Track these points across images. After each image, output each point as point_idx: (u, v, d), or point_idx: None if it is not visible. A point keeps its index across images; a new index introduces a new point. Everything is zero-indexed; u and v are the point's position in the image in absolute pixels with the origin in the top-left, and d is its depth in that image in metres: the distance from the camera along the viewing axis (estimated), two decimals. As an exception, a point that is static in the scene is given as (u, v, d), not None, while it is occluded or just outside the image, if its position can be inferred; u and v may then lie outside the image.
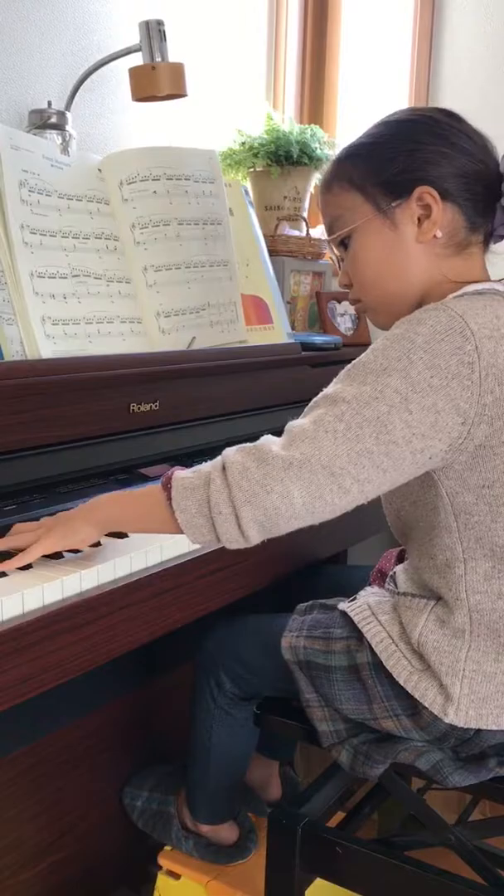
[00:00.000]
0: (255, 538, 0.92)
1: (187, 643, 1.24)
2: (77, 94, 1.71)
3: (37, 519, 1.11)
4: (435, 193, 0.98)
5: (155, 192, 1.50)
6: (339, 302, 2.13)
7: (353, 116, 2.37)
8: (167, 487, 0.95)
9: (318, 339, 1.85)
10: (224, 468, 0.92)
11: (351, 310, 2.14)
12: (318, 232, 2.16)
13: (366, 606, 1.06)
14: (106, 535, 1.07)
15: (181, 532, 0.94)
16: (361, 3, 2.34)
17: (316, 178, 2.14)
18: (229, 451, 0.94)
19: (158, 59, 1.64)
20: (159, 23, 1.64)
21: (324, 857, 1.07)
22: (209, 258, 1.58)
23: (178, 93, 1.66)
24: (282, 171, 2.04)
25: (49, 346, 1.25)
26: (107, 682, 1.36)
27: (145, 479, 1.30)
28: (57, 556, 1.02)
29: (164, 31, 1.64)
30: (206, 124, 2.08)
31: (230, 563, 1.16)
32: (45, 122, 1.60)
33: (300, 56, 2.37)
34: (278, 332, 1.72)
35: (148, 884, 1.37)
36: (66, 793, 1.37)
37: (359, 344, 2.07)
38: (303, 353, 1.71)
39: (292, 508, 0.89)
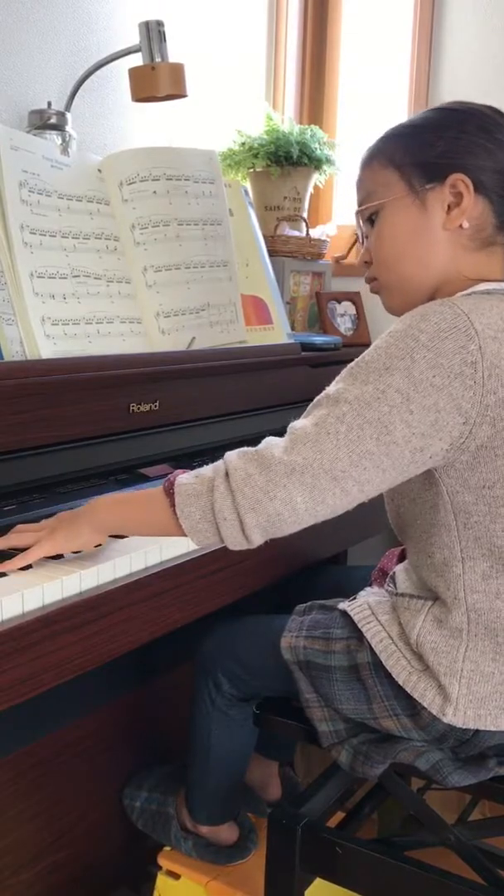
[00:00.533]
0: (259, 541, 0.93)
1: (187, 643, 1.24)
2: (77, 94, 1.71)
3: (37, 520, 1.12)
4: (469, 182, 0.97)
5: (155, 192, 1.50)
6: (339, 302, 2.14)
7: (353, 117, 2.37)
8: (170, 493, 0.95)
9: (318, 339, 1.86)
10: (227, 474, 0.92)
11: (351, 310, 2.15)
12: (318, 232, 2.16)
13: (366, 606, 1.07)
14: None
15: (185, 536, 0.95)
16: (361, 4, 2.34)
17: (315, 179, 2.14)
18: (231, 456, 0.94)
19: (158, 60, 1.64)
20: (159, 23, 1.64)
21: (324, 857, 1.07)
22: (209, 258, 1.58)
23: (177, 93, 1.66)
24: (281, 171, 2.05)
25: (49, 346, 1.25)
26: (107, 683, 1.36)
27: (145, 479, 1.30)
28: (57, 555, 1.02)
29: (163, 32, 1.64)
30: (205, 125, 2.08)
31: (230, 564, 1.16)
32: (44, 122, 1.60)
33: (300, 56, 2.37)
34: (278, 333, 1.72)
35: (148, 884, 1.37)
36: (66, 793, 1.37)
37: (359, 344, 2.07)
38: (302, 353, 1.71)
39: (295, 514, 0.90)
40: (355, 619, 1.06)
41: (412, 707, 1.00)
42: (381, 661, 1.02)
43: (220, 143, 2.07)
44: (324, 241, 2.11)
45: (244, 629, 1.20)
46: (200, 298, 1.55)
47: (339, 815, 1.23)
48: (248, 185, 2.08)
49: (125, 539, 1.09)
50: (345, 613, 1.08)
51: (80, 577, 0.98)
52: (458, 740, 1.00)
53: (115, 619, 1.00)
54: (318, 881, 1.14)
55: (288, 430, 0.94)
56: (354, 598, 1.10)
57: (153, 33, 1.63)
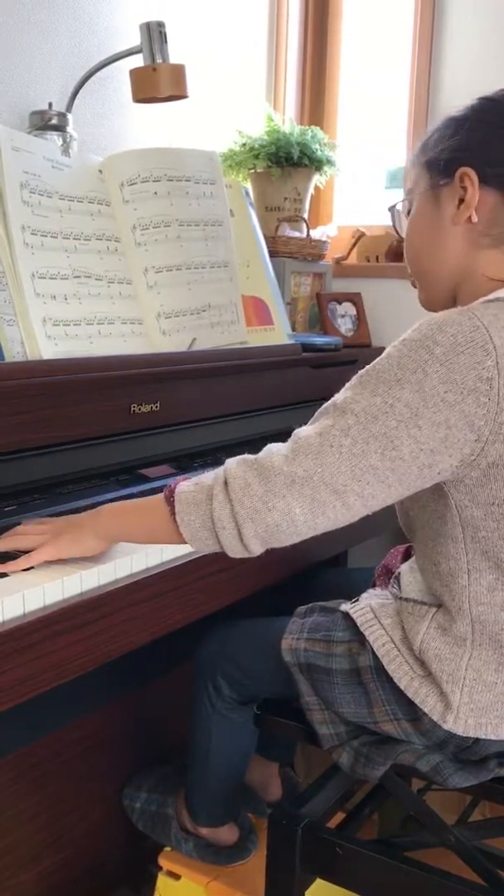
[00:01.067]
0: (258, 550, 0.93)
1: (187, 644, 1.24)
2: (78, 95, 1.71)
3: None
4: (473, 175, 0.96)
5: (156, 193, 1.50)
6: (340, 303, 2.14)
7: (354, 118, 2.37)
8: (170, 501, 0.95)
9: (319, 340, 1.86)
10: (226, 483, 0.91)
11: (351, 311, 2.15)
12: (318, 233, 2.16)
13: (368, 609, 1.06)
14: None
15: (186, 543, 0.95)
16: (362, 5, 2.34)
17: (316, 180, 2.14)
18: (231, 464, 0.93)
19: (159, 61, 1.64)
20: (160, 24, 1.64)
21: (324, 858, 1.07)
22: (210, 259, 1.58)
23: (178, 94, 1.66)
24: (282, 172, 2.05)
25: (50, 346, 1.25)
26: (107, 683, 1.36)
27: (146, 479, 1.30)
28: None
29: (164, 33, 1.64)
30: (206, 125, 2.08)
31: (230, 565, 1.16)
32: (45, 123, 1.60)
33: (301, 57, 2.37)
34: (279, 333, 1.72)
35: (148, 884, 1.37)
36: (66, 793, 1.37)
37: (359, 345, 2.08)
38: (303, 354, 1.71)
39: (294, 525, 0.90)
40: (357, 621, 1.05)
41: (413, 712, 1.00)
42: (382, 665, 1.01)
43: (220, 143, 2.07)
44: (324, 241, 2.11)
45: (244, 632, 1.20)
46: (201, 299, 1.55)
47: (340, 816, 1.23)
48: (248, 185, 2.08)
49: (126, 539, 1.09)
50: (347, 615, 1.08)
51: (80, 577, 0.98)
52: (458, 747, 1.00)
53: (116, 619, 1.00)
54: (318, 882, 1.14)
55: (292, 437, 0.92)
56: (357, 601, 1.10)
57: (154, 34, 1.63)
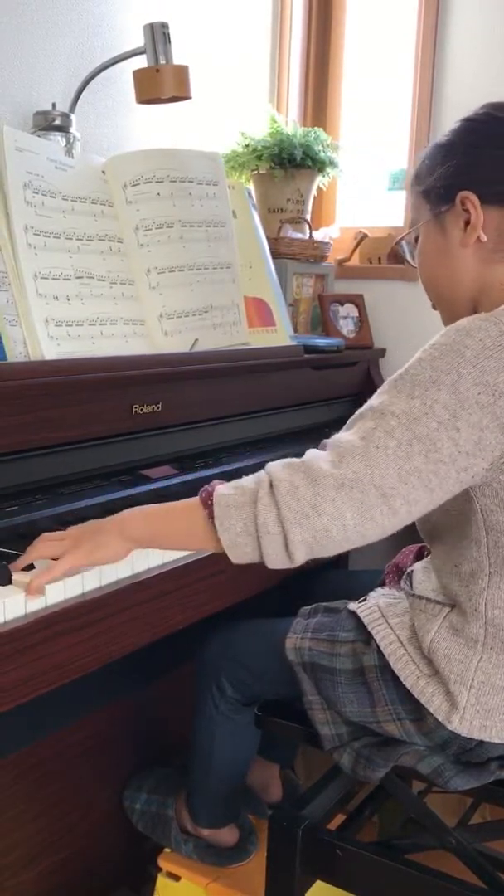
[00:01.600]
0: (301, 559, 0.90)
1: (189, 644, 1.24)
2: (81, 96, 1.71)
3: (37, 520, 1.12)
4: (474, 199, 0.98)
5: (159, 194, 1.50)
6: (342, 304, 2.14)
7: (357, 119, 2.37)
8: (208, 504, 0.92)
9: (321, 341, 1.86)
10: (271, 485, 0.89)
11: (353, 312, 2.15)
12: (321, 235, 2.16)
13: (376, 608, 1.06)
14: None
15: (221, 551, 0.91)
16: (365, 6, 2.34)
17: (318, 181, 2.14)
18: (275, 467, 0.91)
19: (163, 62, 1.64)
20: (164, 25, 1.64)
21: (324, 860, 1.07)
22: (212, 260, 1.58)
23: (182, 95, 1.66)
24: (285, 173, 2.05)
25: (52, 347, 1.25)
26: (108, 684, 1.36)
27: (148, 480, 1.30)
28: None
29: (168, 34, 1.64)
30: (209, 127, 2.08)
31: (232, 566, 1.16)
32: (49, 123, 1.60)
33: (304, 59, 2.37)
34: (281, 335, 1.72)
35: (148, 885, 1.37)
36: (66, 793, 1.37)
37: (361, 346, 2.08)
38: (305, 355, 1.71)
39: (344, 531, 0.87)
40: (364, 620, 1.05)
41: (417, 712, 1.00)
42: (388, 664, 1.01)
43: (223, 145, 2.07)
44: (327, 243, 2.11)
45: (247, 633, 1.20)
46: (203, 300, 1.55)
47: (340, 818, 1.23)
48: (251, 187, 2.08)
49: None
50: (352, 614, 1.08)
51: (82, 578, 0.98)
52: (461, 748, 1.00)
53: (118, 620, 1.00)
54: (318, 883, 1.14)
55: (331, 443, 0.91)
56: (364, 600, 1.10)
57: (158, 35, 1.63)
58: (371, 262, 2.25)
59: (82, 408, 1.20)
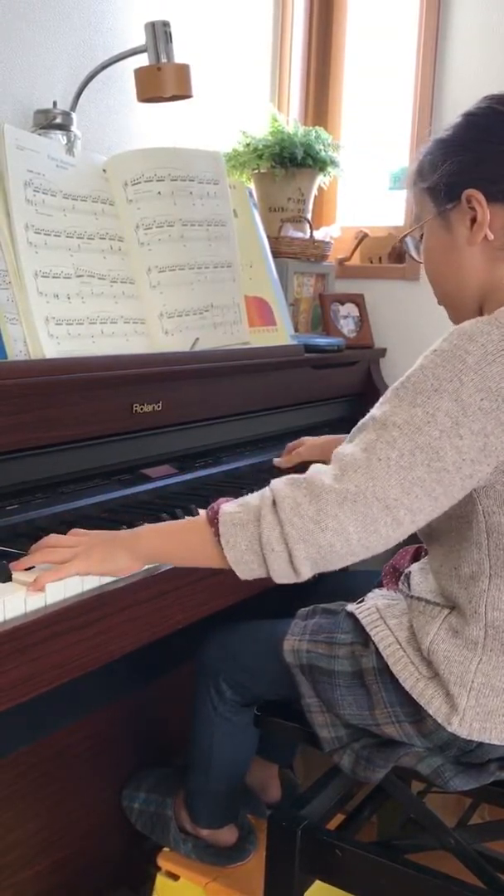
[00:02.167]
0: (307, 574, 0.91)
1: (188, 644, 1.24)
2: (82, 94, 1.70)
3: (37, 519, 1.12)
4: (480, 196, 0.96)
5: (159, 192, 1.50)
6: (342, 304, 2.14)
7: (358, 118, 2.37)
8: (213, 522, 0.92)
9: (321, 340, 1.86)
10: (275, 503, 0.89)
11: (354, 312, 2.15)
12: (322, 234, 2.16)
13: (374, 610, 1.06)
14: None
15: (228, 567, 0.92)
16: (367, 5, 2.34)
17: (319, 181, 2.14)
18: (278, 484, 0.91)
19: (164, 61, 1.64)
20: (165, 24, 1.64)
21: (323, 860, 1.07)
22: (213, 259, 1.58)
23: (183, 94, 1.66)
24: (286, 172, 2.05)
25: (52, 345, 1.25)
26: (108, 683, 1.36)
27: (148, 479, 1.30)
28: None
29: (169, 33, 1.64)
30: (210, 126, 2.08)
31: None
32: (50, 122, 1.60)
33: (305, 58, 2.37)
34: (281, 334, 1.72)
35: (147, 884, 1.37)
36: (66, 793, 1.37)
37: (361, 346, 2.08)
38: (305, 354, 1.71)
39: (348, 545, 0.88)
40: (363, 622, 1.05)
41: (416, 714, 1.00)
42: (386, 666, 1.01)
43: (224, 144, 2.07)
44: (327, 242, 2.11)
45: (245, 634, 1.20)
46: (204, 299, 1.55)
47: (339, 817, 1.23)
48: (252, 186, 2.08)
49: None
50: (351, 616, 1.07)
51: (82, 578, 0.98)
52: (460, 750, 1.00)
53: (117, 619, 1.00)
54: (317, 883, 1.14)
55: (334, 456, 0.91)
56: (362, 601, 1.09)
57: (159, 34, 1.63)
58: (372, 262, 2.25)
59: (82, 407, 1.20)
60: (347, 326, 2.12)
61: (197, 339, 1.50)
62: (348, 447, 0.91)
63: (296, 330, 1.93)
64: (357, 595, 1.12)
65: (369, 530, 0.87)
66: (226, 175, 1.65)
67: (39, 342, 1.23)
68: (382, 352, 2.09)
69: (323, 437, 1.41)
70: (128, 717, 1.47)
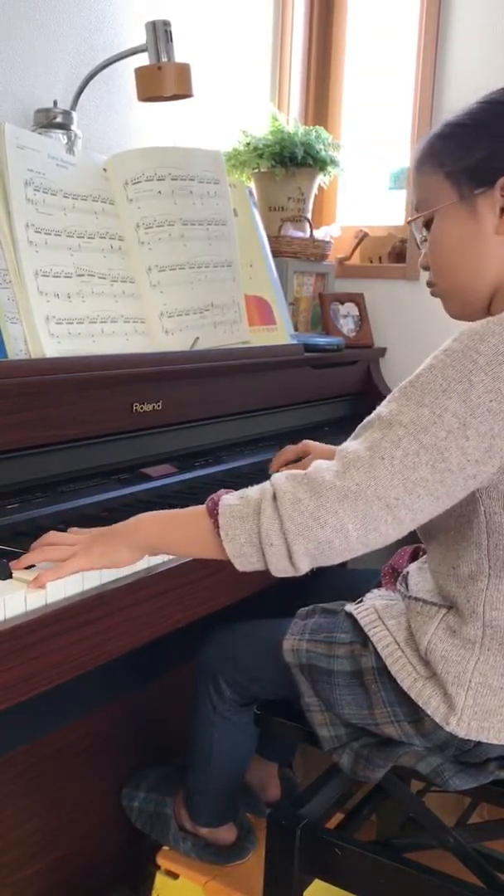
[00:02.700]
0: (306, 568, 0.91)
1: (188, 644, 1.24)
2: (83, 93, 1.71)
3: (38, 518, 1.12)
4: None
5: (160, 192, 1.50)
6: (342, 303, 2.14)
7: (358, 118, 2.37)
8: (213, 514, 0.92)
9: (321, 340, 1.86)
10: (275, 497, 0.89)
11: (354, 311, 2.15)
12: (322, 233, 2.16)
13: (372, 610, 1.06)
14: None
15: (227, 559, 0.92)
16: (367, 6, 2.34)
17: (319, 180, 2.14)
18: (279, 478, 0.91)
19: (164, 60, 1.64)
20: (166, 23, 1.64)
21: (322, 859, 1.07)
22: (213, 259, 1.58)
23: (183, 93, 1.66)
24: (286, 172, 2.05)
25: (53, 345, 1.25)
26: (108, 683, 1.36)
27: (148, 479, 1.30)
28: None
29: (170, 32, 1.64)
30: (210, 125, 2.08)
31: (231, 565, 1.16)
32: (50, 121, 1.60)
33: (305, 57, 2.37)
34: (281, 333, 1.72)
35: (146, 883, 1.37)
36: (65, 792, 1.37)
37: (361, 346, 2.08)
38: (305, 354, 1.71)
39: (346, 542, 0.87)
40: (361, 622, 1.05)
41: (415, 713, 1.00)
42: (385, 666, 1.01)
43: (224, 143, 2.07)
44: (327, 242, 2.11)
45: (245, 634, 1.20)
46: (204, 298, 1.55)
47: (339, 817, 1.23)
48: (252, 185, 2.08)
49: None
50: (349, 616, 1.07)
51: (82, 576, 0.98)
52: (459, 749, 1.00)
53: (117, 619, 1.00)
54: (316, 882, 1.14)
55: (338, 453, 0.90)
56: (361, 601, 1.09)
57: (160, 33, 1.63)
58: (372, 262, 2.25)
59: (83, 406, 1.20)
60: (347, 326, 2.12)
61: (197, 338, 1.51)
62: (352, 444, 0.90)
63: (296, 329, 1.94)
64: (357, 594, 1.12)
65: (369, 528, 0.87)
66: (226, 174, 1.65)
67: (40, 341, 1.23)
68: (382, 351, 2.10)
69: (328, 446, 1.39)
70: (127, 716, 1.48)
